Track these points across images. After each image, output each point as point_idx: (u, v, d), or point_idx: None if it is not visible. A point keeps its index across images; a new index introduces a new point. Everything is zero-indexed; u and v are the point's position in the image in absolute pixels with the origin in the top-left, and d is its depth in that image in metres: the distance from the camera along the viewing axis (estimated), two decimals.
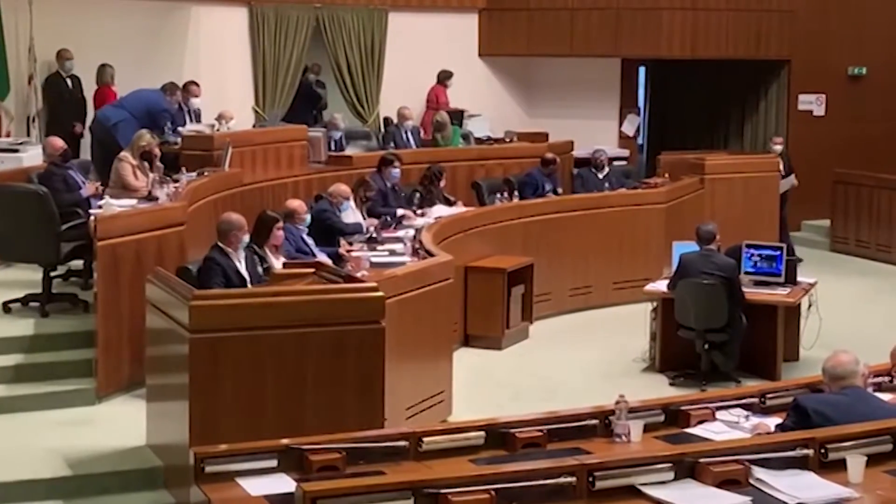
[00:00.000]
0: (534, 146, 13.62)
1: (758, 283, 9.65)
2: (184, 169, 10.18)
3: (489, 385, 9.28)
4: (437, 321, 8.23)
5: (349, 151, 12.82)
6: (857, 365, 5.19)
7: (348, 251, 9.32)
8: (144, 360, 7.28)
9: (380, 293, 6.51)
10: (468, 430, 5.05)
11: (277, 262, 8.07)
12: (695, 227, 9.68)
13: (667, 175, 13.53)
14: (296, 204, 9.21)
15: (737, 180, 13.75)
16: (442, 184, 11.77)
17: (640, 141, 16.99)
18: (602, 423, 5.23)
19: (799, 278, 9.98)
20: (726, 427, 5.31)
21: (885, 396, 5.59)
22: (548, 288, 11.15)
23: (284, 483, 4.47)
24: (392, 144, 13.16)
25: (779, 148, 14.02)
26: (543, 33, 15.49)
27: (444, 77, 14.29)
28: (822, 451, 4.33)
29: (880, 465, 4.37)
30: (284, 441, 4.73)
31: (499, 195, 11.95)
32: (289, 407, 6.20)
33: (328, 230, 9.58)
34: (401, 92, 14.23)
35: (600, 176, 13.22)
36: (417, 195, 11.49)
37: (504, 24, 15.67)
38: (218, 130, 11.79)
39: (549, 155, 12.85)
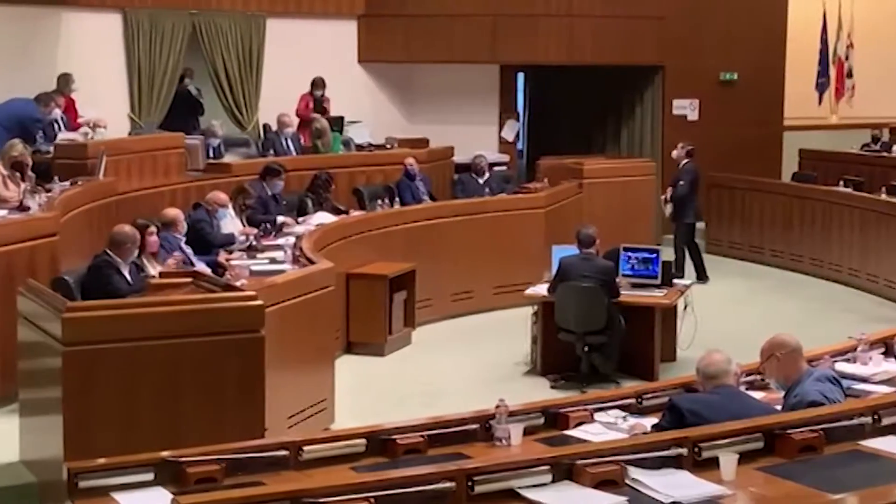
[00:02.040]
0: (414, 152, 13.66)
1: (635, 286, 9.81)
2: (56, 178, 9.96)
3: (372, 392, 9.28)
4: (318, 329, 8.19)
5: (228, 159, 12.69)
6: (730, 364, 5.30)
7: (227, 260, 9.23)
8: (16, 375, 7.11)
9: (259, 302, 6.46)
10: (349, 437, 5.02)
11: (156, 271, 7.97)
12: (574, 231, 9.81)
13: (546, 180, 13.70)
14: (173, 213, 9.10)
15: (614, 184, 13.99)
16: (331, 190, 11.77)
17: (519, 146, 17.15)
18: (483, 428, 5.25)
19: (674, 280, 10.19)
20: (604, 428, 5.37)
21: (758, 394, 5.71)
22: (430, 293, 11.18)
23: (161, 497, 4.39)
24: (272, 152, 13.05)
25: (674, 153, 13.65)
26: (422, 39, 15.53)
27: (312, 84, 14.19)
28: (696, 449, 4.39)
29: (752, 462, 4.45)
30: (161, 454, 4.65)
31: (380, 201, 11.96)
32: (167, 419, 6.11)
33: (203, 240, 9.49)
34: (280, 99, 14.12)
35: (480, 181, 13.32)
36: (309, 202, 11.44)
37: (383, 31, 15.67)
38: (91, 138, 11.56)
39: (409, 160, 12.90)
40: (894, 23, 19.31)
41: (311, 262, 8.62)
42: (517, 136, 16.69)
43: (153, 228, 8.25)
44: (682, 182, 13.40)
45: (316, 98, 14.22)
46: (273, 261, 9.15)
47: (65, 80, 12.28)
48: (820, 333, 8.83)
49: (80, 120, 12.12)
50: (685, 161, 13.52)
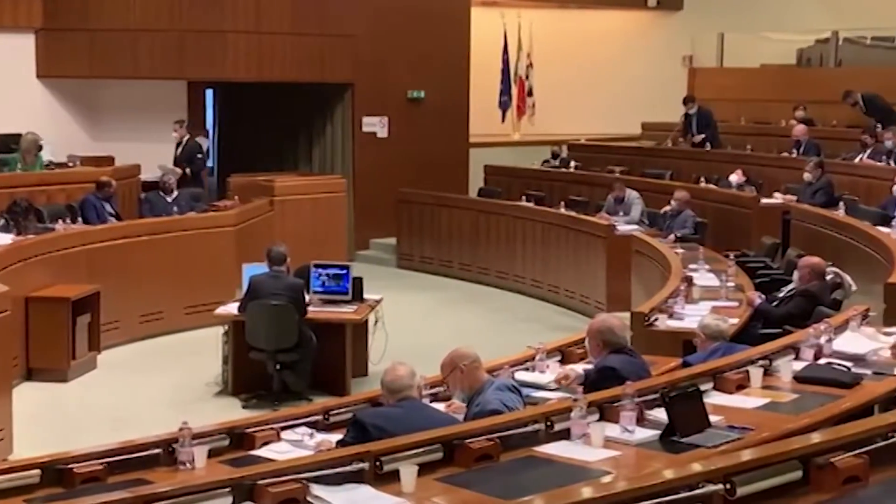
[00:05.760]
0: (99, 170, 13.22)
1: (326, 302, 9.86)
2: None
3: (54, 419, 8.94)
4: None
5: None
6: (413, 377, 5.40)
7: None
8: None
9: None
10: (21, 469, 4.79)
11: None
12: (265, 249, 9.76)
13: (237, 197, 13.61)
14: None
15: (306, 201, 14.06)
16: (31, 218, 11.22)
17: (209, 163, 16.91)
18: (166, 452, 5.13)
19: (365, 295, 10.30)
20: (291, 446, 5.36)
21: (441, 406, 5.85)
22: (116, 315, 10.87)
23: None
24: None
25: None
26: (106, 55, 15.07)
27: None
28: (378, 463, 4.44)
29: (432, 473, 4.53)
30: None
31: (61, 221, 11.51)
32: None
33: None
34: None
35: (169, 199, 13.06)
36: (2, 222, 10.89)
37: (64, 45, 15.10)
38: None
39: (104, 178, 12.52)
40: (570, 44, 20.29)
41: None
42: (207, 153, 16.45)
43: None
44: None
45: None
46: None
47: None
48: (504, 343, 9.19)
49: None
50: None
